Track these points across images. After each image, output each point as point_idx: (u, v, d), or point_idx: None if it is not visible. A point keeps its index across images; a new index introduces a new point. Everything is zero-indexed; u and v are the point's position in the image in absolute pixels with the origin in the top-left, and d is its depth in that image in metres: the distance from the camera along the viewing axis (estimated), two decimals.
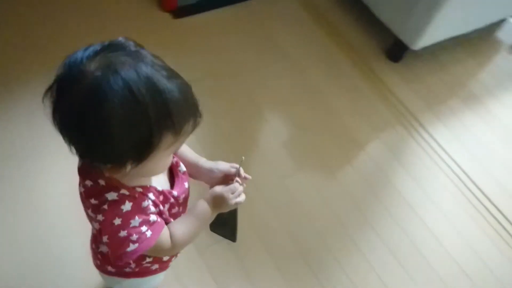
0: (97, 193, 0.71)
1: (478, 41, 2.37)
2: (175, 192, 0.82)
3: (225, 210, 0.87)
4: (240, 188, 0.86)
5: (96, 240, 0.93)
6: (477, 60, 2.32)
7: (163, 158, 0.70)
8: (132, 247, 0.72)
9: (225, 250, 1.46)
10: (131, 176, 0.70)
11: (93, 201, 0.72)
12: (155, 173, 0.76)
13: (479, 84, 2.22)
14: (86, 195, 0.73)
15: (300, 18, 2.26)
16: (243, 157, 0.86)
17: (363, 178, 1.75)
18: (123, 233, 0.71)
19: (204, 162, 0.92)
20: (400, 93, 2.07)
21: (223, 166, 0.90)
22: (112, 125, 0.59)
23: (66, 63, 0.62)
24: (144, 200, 0.74)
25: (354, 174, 1.76)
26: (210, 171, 0.90)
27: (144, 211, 0.74)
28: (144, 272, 0.95)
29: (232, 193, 0.84)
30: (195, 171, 0.91)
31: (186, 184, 0.87)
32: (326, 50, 2.16)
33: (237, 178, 0.87)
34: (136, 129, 0.61)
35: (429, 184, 1.79)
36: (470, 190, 1.79)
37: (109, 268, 0.94)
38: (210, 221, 0.87)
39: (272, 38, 2.13)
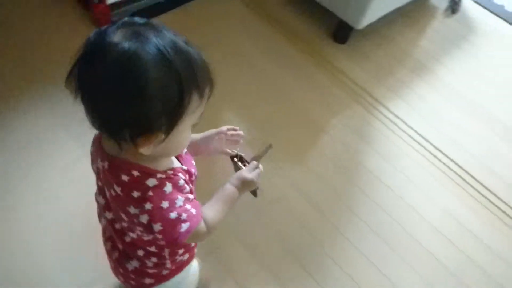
0: (136, 184, 0.71)
1: (415, 10, 2.45)
2: (193, 170, 0.85)
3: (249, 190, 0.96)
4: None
5: (121, 260, 0.90)
6: (417, 29, 2.40)
7: (187, 130, 0.72)
8: (184, 226, 0.74)
9: (214, 265, 1.43)
10: (158, 158, 0.73)
11: (135, 193, 0.71)
12: (179, 148, 0.77)
13: (423, 51, 2.30)
14: (125, 192, 0.72)
15: (244, 16, 2.24)
16: (271, 145, 0.95)
17: (334, 163, 1.77)
18: (173, 215, 0.73)
19: (196, 136, 0.98)
20: (351, 73, 2.10)
21: (212, 130, 0.98)
22: (147, 87, 0.61)
23: (89, 40, 0.64)
24: (179, 180, 0.76)
25: (324, 161, 1.77)
26: (205, 140, 0.98)
27: (182, 190, 0.77)
28: (180, 267, 0.96)
29: (259, 177, 0.95)
30: (193, 148, 0.94)
31: (193, 163, 0.90)
32: (274, 43, 2.14)
33: (255, 162, 0.97)
34: (168, 89, 0.63)
35: (396, 157, 1.84)
36: (435, 157, 1.86)
37: (147, 280, 0.92)
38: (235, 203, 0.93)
39: (218, 38, 2.09)
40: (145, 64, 0.60)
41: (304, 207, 1.63)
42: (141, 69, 0.60)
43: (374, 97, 2.02)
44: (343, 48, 2.18)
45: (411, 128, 1.94)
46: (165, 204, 0.72)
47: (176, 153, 0.79)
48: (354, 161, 1.81)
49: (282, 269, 1.47)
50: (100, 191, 0.81)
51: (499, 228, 1.69)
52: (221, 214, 0.87)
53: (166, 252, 0.87)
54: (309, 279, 1.46)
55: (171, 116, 0.65)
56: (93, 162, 0.82)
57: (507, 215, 1.72)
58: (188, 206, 0.76)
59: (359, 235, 1.58)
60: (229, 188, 0.90)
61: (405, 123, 1.95)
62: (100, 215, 0.89)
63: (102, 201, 0.82)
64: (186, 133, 0.72)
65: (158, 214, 0.72)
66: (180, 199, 0.74)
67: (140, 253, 0.86)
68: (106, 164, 0.74)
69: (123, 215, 0.76)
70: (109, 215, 0.83)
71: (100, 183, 0.80)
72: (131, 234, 0.82)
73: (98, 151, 0.76)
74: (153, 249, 0.84)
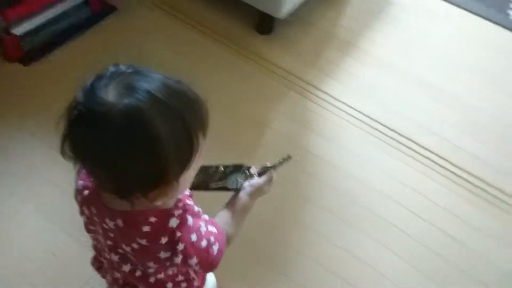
0: (160, 229, 0.70)
1: None
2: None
3: None
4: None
5: None
6: (337, 9, 2.45)
7: (193, 167, 0.69)
8: (215, 248, 0.77)
9: None
10: (169, 201, 0.71)
11: (163, 239, 0.70)
12: (186, 188, 0.77)
13: (346, 29, 2.35)
14: (152, 241, 0.70)
15: (164, 24, 2.17)
16: (290, 156, 0.95)
17: (282, 156, 1.75)
18: (203, 243, 0.74)
19: None
20: (282, 62, 2.10)
21: None
22: (158, 140, 0.59)
23: (80, 103, 0.59)
24: (193, 207, 0.77)
25: (272, 156, 1.71)
26: None
27: (199, 215, 0.78)
28: (204, 279, 0.98)
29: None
30: None
31: None
32: (200, 46, 2.10)
33: (273, 172, 0.98)
34: (178, 135, 0.61)
35: (341, 137, 1.87)
36: (377, 129, 1.91)
37: None
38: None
39: (142, 53, 2.00)
40: (150, 118, 0.58)
41: (261, 206, 1.59)
42: (149, 124, 0.58)
43: (309, 82, 2.04)
44: (269, 39, 2.18)
45: (349, 105, 1.97)
46: (193, 237, 0.73)
47: (183, 193, 0.78)
48: (301, 150, 1.81)
49: (256, 277, 1.44)
50: (111, 249, 0.77)
51: (461, 193, 1.75)
52: (238, 225, 0.91)
53: (192, 272, 0.88)
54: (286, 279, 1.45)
55: (183, 162, 0.64)
56: (91, 223, 0.78)
57: (465, 179, 1.79)
58: (210, 227, 0.78)
59: (324, 225, 1.59)
60: (245, 198, 0.93)
61: (342, 102, 1.98)
62: (111, 270, 0.86)
63: (114, 257, 0.78)
64: (192, 171, 0.70)
65: (191, 249, 0.72)
66: (202, 225, 0.76)
67: (169, 286, 0.85)
68: (120, 222, 0.70)
69: (150, 263, 0.75)
70: (126, 268, 0.80)
71: (109, 242, 0.76)
72: (159, 276, 0.81)
73: (101, 211, 0.72)
74: (180, 278, 0.85)
